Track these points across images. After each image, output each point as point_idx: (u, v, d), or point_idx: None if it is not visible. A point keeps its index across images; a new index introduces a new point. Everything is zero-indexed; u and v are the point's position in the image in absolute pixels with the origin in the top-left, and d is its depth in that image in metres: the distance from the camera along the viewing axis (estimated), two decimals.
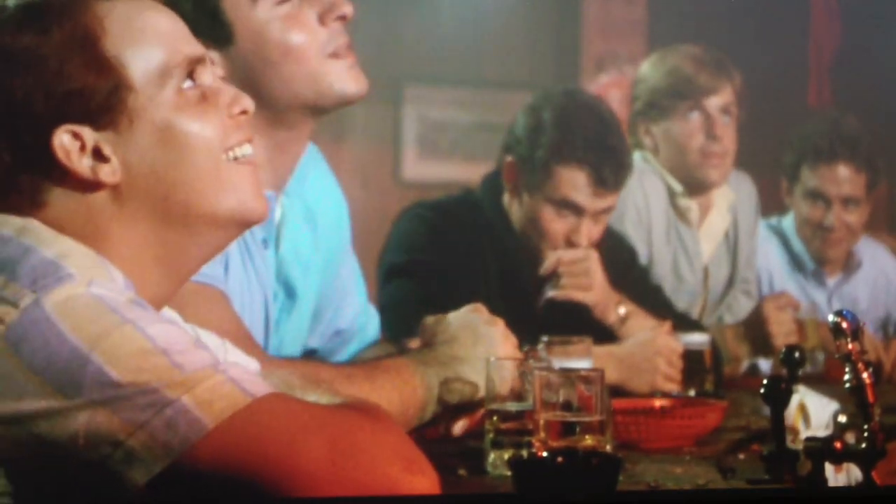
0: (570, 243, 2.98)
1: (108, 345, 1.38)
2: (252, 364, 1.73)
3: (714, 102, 3.48)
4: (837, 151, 3.67)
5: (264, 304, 2.15)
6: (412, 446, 1.46)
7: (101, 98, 1.50)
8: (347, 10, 2.08)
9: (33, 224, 1.49)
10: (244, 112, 1.59)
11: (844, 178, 3.68)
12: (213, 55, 2.03)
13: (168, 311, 1.64)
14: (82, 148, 1.50)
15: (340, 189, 2.40)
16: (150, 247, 1.53)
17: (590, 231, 2.99)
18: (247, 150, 1.59)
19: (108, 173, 1.51)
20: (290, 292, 2.19)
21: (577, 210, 2.97)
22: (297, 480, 1.38)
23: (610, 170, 2.96)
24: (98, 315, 1.39)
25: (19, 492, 1.43)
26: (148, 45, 1.53)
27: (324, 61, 2.06)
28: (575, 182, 2.95)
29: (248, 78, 2.02)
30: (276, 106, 2.06)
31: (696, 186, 3.55)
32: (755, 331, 3.35)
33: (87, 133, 1.50)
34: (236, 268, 2.08)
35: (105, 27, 1.51)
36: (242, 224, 1.61)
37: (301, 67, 2.05)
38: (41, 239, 1.47)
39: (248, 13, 2.04)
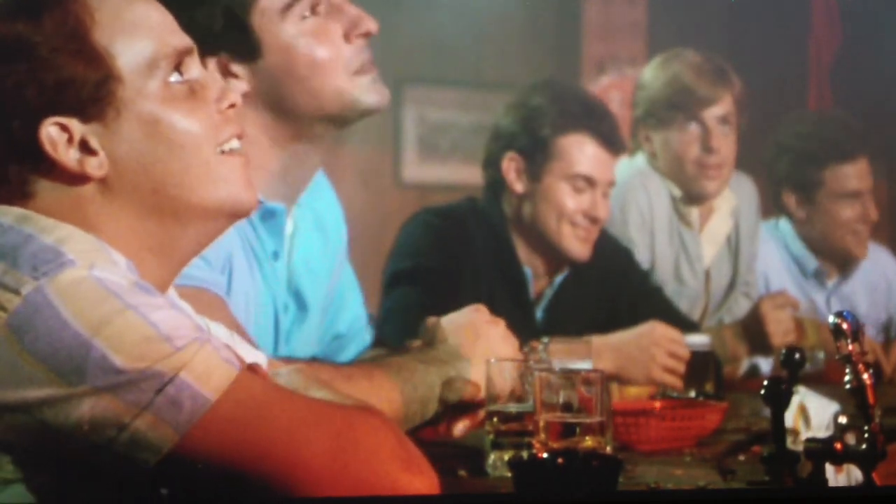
0: (591, 219, 3.01)
1: (110, 331, 1.38)
2: (261, 356, 1.73)
3: (712, 113, 3.47)
4: (858, 148, 3.68)
5: (274, 314, 2.15)
6: (411, 446, 1.47)
7: (90, 89, 1.50)
8: (372, 26, 2.11)
9: (33, 212, 1.50)
10: (233, 106, 1.59)
11: (866, 171, 3.69)
12: (239, 69, 2.04)
13: (181, 302, 1.64)
14: (69, 140, 1.50)
15: (336, 196, 2.41)
16: (141, 238, 1.53)
17: (605, 206, 3.03)
18: (235, 143, 1.59)
19: (94, 166, 1.51)
20: (301, 303, 2.20)
21: (591, 183, 3.00)
22: (297, 472, 1.38)
23: (610, 129, 3.03)
24: (100, 300, 1.40)
25: (29, 478, 1.43)
26: (137, 36, 1.53)
27: (349, 77, 2.08)
28: (584, 150, 3.00)
29: (274, 91, 2.04)
30: (301, 119, 2.08)
31: (694, 196, 3.55)
32: (753, 330, 3.34)
33: (75, 125, 1.50)
34: (242, 277, 2.08)
35: (95, 18, 1.52)
36: (233, 215, 1.61)
37: (328, 82, 2.07)
38: (41, 226, 1.47)
39: (277, 28, 2.05)
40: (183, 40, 1.58)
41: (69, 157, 1.50)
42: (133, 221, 1.53)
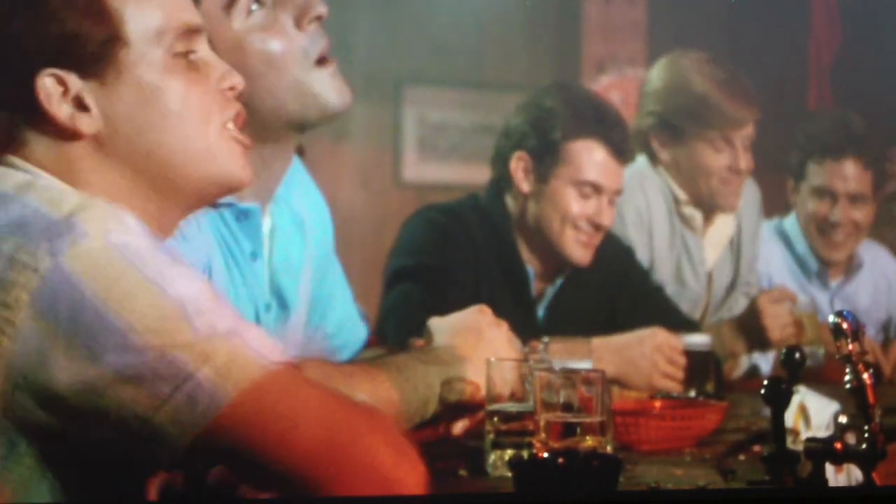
0: (595, 225, 3.01)
1: (131, 306, 1.38)
2: None
3: (741, 134, 3.48)
4: (844, 148, 3.67)
5: (255, 315, 2.14)
6: (404, 441, 1.47)
7: (94, 47, 1.51)
8: (322, 10, 2.05)
9: (35, 179, 1.49)
10: (233, 88, 1.61)
11: (851, 174, 3.68)
12: None
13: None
14: (65, 94, 1.51)
15: (321, 192, 2.39)
16: (132, 200, 1.53)
17: (610, 213, 3.03)
18: (231, 125, 1.61)
19: (86, 123, 1.52)
20: (282, 302, 2.18)
21: (598, 189, 3.00)
22: (295, 457, 1.38)
23: (621, 138, 3.03)
24: (120, 273, 1.39)
25: (51, 470, 1.43)
26: (150, 5, 1.55)
27: (308, 70, 2.03)
28: (594, 157, 2.99)
29: None
30: (262, 121, 2.02)
31: (711, 209, 3.56)
32: (751, 325, 3.34)
33: (73, 80, 1.51)
34: (221, 280, 2.07)
35: None
36: (225, 190, 1.64)
37: (284, 76, 2.02)
38: (48, 198, 1.46)
39: (223, 28, 2.01)
40: (194, 17, 1.59)
41: (62, 110, 1.51)
42: (125, 183, 1.53)
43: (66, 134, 1.52)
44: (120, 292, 1.38)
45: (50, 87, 1.50)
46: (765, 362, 3.49)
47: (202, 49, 1.60)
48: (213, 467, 1.55)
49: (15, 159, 1.52)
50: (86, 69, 1.51)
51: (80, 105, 1.51)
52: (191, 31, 1.58)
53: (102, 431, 1.39)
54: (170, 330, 1.38)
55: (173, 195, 1.57)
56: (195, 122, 1.56)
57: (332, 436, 1.40)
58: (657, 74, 3.57)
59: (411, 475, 1.43)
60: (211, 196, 1.64)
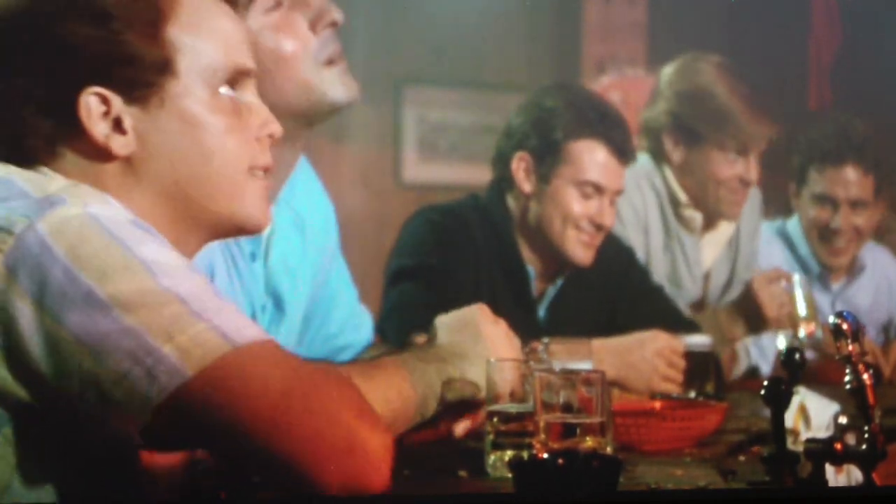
0: (596, 225, 3.01)
1: (98, 265, 1.39)
2: None
3: (757, 150, 3.49)
4: (845, 153, 3.66)
5: (251, 315, 2.14)
6: (372, 408, 1.46)
7: (145, 73, 1.53)
8: (338, 16, 2.07)
9: (27, 172, 1.51)
10: (271, 136, 1.62)
11: (852, 180, 3.67)
12: None
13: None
14: (105, 114, 1.52)
15: (326, 194, 2.39)
16: (154, 226, 1.53)
17: (611, 214, 3.03)
18: (261, 172, 1.62)
19: (120, 145, 1.53)
20: (278, 303, 2.18)
21: (599, 190, 3.00)
22: (261, 410, 1.37)
23: (622, 138, 3.03)
24: (91, 235, 1.41)
25: (20, 429, 1.43)
26: (206, 42, 1.57)
27: (317, 70, 2.05)
28: (595, 157, 2.99)
29: None
30: None
31: (714, 215, 3.56)
32: (747, 307, 3.35)
33: (116, 101, 1.52)
34: (221, 281, 2.07)
35: (178, 12, 1.55)
36: (242, 231, 1.65)
37: (293, 76, 2.04)
38: (34, 181, 1.48)
39: None
40: (247, 61, 1.61)
41: (98, 129, 1.52)
42: (149, 207, 1.54)
43: (99, 153, 1.53)
44: (89, 250, 1.39)
45: (93, 104, 1.52)
46: (765, 363, 3.49)
47: (248, 92, 1.61)
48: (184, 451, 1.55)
49: (44, 168, 1.53)
50: (131, 93, 1.53)
51: (118, 127, 1.53)
52: (241, 74, 1.60)
53: (69, 402, 1.39)
54: (134, 287, 1.38)
55: (194, 227, 1.58)
56: (227, 162, 1.57)
57: (296, 388, 1.40)
58: (679, 76, 3.55)
59: (375, 437, 1.41)
60: (228, 233, 1.65)
